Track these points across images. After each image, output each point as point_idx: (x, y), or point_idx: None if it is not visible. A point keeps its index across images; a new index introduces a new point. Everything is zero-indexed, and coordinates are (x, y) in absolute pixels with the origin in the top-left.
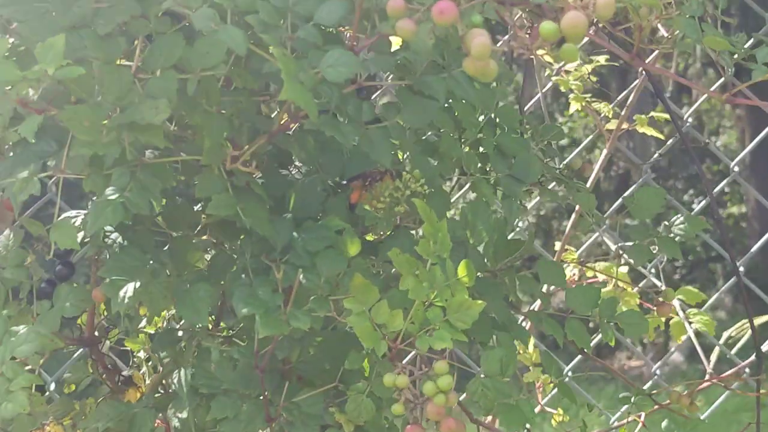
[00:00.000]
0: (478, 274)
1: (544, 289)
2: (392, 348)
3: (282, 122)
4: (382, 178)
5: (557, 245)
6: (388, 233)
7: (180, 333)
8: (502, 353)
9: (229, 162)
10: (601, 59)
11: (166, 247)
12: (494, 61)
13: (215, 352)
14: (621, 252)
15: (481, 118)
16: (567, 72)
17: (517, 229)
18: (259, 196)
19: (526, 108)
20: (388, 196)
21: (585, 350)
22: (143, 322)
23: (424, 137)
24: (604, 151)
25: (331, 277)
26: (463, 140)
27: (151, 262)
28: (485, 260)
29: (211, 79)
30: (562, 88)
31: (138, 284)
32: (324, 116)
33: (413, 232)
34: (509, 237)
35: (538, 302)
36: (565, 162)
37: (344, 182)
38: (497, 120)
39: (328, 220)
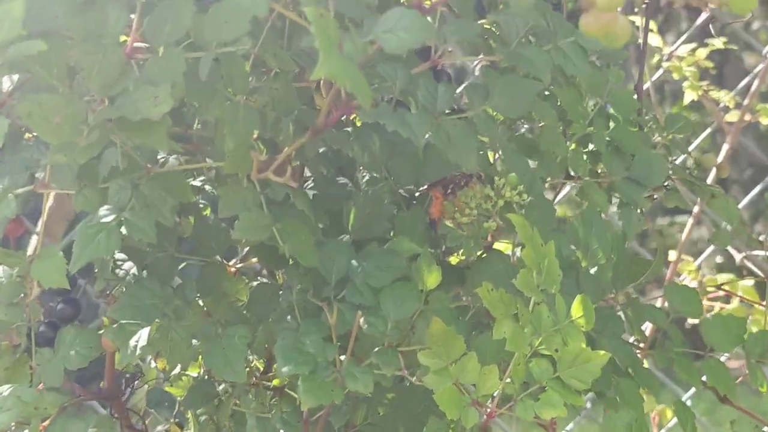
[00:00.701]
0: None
1: None
2: (485, 416)
3: (328, 114)
4: (467, 183)
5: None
6: (478, 256)
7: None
8: (631, 417)
9: (255, 170)
10: (718, 42)
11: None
12: (624, 18)
13: (251, 419)
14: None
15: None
16: (679, 58)
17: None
18: (303, 213)
19: None
20: (476, 207)
21: (728, 397)
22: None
23: (518, 132)
24: (725, 146)
25: (401, 320)
26: (567, 135)
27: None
28: (602, 288)
29: (233, 58)
30: (675, 75)
31: (155, 329)
32: (383, 105)
33: (509, 252)
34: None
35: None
36: (678, 160)
37: (419, 192)
38: (610, 109)
39: (397, 243)
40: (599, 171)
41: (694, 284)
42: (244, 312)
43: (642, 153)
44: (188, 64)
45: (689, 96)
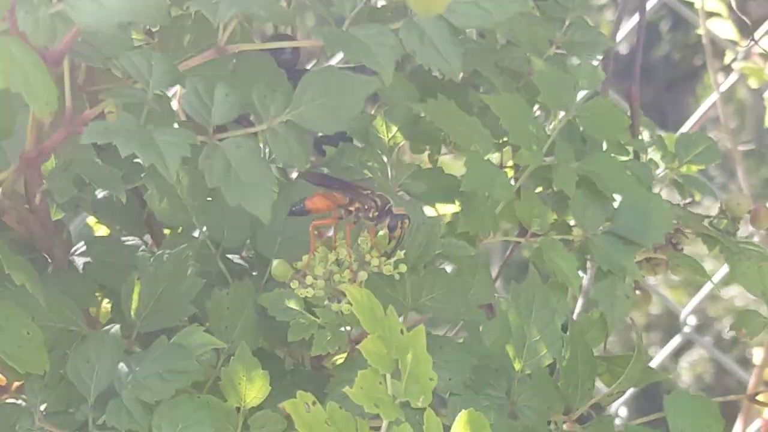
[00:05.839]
0: None
1: None
2: None
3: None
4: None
5: None
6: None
7: None
8: None
9: None
10: None
11: None
12: None
13: None
14: None
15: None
16: (765, 55)
17: None
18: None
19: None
20: (323, 275)
21: None
22: None
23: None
24: None
25: None
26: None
27: None
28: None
29: None
30: (752, 82)
31: None
32: (123, 116)
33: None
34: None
35: None
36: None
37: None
38: (581, 127)
39: (187, 335)
40: (570, 223)
41: None
42: None
43: (632, 194)
44: None
45: None
